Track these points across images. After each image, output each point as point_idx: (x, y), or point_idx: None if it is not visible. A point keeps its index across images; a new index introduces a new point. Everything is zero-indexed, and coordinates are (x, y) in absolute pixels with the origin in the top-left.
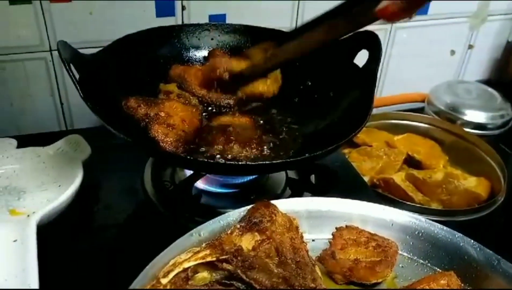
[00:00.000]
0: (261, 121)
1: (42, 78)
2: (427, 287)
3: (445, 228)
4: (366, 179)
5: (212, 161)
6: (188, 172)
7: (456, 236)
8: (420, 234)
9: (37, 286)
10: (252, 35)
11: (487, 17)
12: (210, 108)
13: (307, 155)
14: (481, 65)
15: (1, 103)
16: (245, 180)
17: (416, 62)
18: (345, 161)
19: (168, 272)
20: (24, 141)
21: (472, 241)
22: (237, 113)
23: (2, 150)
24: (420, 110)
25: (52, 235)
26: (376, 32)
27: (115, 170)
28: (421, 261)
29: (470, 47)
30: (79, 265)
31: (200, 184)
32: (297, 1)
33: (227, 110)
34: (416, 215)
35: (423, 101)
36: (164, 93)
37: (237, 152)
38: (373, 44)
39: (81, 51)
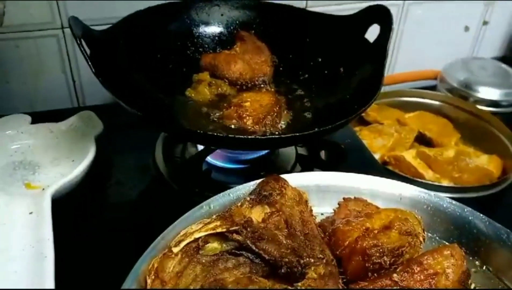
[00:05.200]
0: (282, 98)
1: (54, 55)
2: (431, 258)
3: (453, 202)
4: (377, 156)
5: (222, 134)
6: (199, 148)
7: (465, 210)
8: (429, 208)
9: (52, 256)
10: (262, 11)
11: None
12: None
13: (316, 129)
14: (496, 41)
15: (14, 81)
16: (255, 155)
17: (429, 38)
18: (355, 138)
19: (179, 242)
20: (38, 117)
21: (481, 215)
22: (263, 90)
23: (17, 125)
24: (433, 88)
25: (66, 209)
26: (389, 8)
27: (127, 146)
28: (429, 234)
29: (485, 23)
30: (92, 238)
31: (210, 159)
32: None
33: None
34: (425, 190)
35: (435, 79)
36: (197, 82)
37: (250, 126)
38: (385, 18)
39: (92, 28)
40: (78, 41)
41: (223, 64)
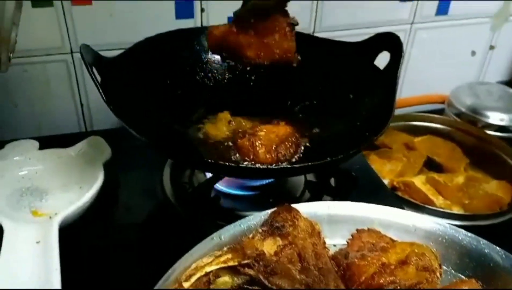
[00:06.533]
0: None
1: (63, 80)
2: None
3: (469, 234)
4: (386, 181)
5: (233, 164)
6: (207, 174)
7: (481, 242)
8: (444, 240)
9: (59, 287)
10: None
11: (509, 18)
12: (262, 70)
13: (328, 159)
14: (502, 66)
15: (23, 105)
16: (264, 182)
17: (436, 63)
18: (364, 163)
19: (190, 276)
20: (45, 142)
21: (498, 248)
22: (281, 123)
23: (24, 151)
24: (440, 112)
25: (73, 236)
26: (396, 33)
27: (134, 170)
28: (445, 267)
29: (491, 48)
30: (100, 266)
31: (218, 185)
32: (316, 1)
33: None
34: (439, 221)
35: (443, 103)
36: (217, 118)
37: (262, 155)
38: (394, 46)
39: (101, 53)
40: (90, 69)
41: (234, 48)
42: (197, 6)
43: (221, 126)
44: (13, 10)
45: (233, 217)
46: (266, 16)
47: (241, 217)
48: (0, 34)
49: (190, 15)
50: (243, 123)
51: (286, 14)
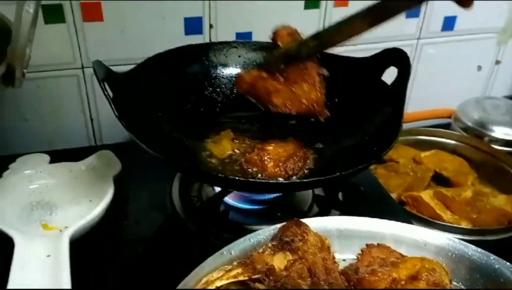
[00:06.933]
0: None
1: (74, 95)
2: None
3: (479, 249)
4: (393, 196)
5: (243, 179)
6: (217, 188)
7: (491, 258)
8: (454, 256)
9: None
10: None
11: None
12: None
13: (337, 174)
14: (508, 80)
15: (33, 119)
16: (272, 196)
17: (442, 77)
18: (372, 178)
19: None
20: (56, 156)
21: (508, 263)
22: (289, 138)
23: (36, 165)
24: (447, 126)
25: (83, 249)
26: (403, 48)
27: (143, 184)
28: (455, 283)
29: (497, 62)
30: (110, 279)
31: (227, 199)
32: (322, 21)
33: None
34: (450, 236)
35: (449, 117)
36: (220, 136)
37: (271, 169)
38: (402, 61)
39: (112, 68)
40: (102, 85)
41: (262, 93)
42: (205, 22)
43: (226, 144)
44: (29, 27)
45: (241, 231)
46: (296, 63)
47: (250, 231)
48: (16, 51)
49: (199, 31)
50: (248, 141)
51: (317, 63)
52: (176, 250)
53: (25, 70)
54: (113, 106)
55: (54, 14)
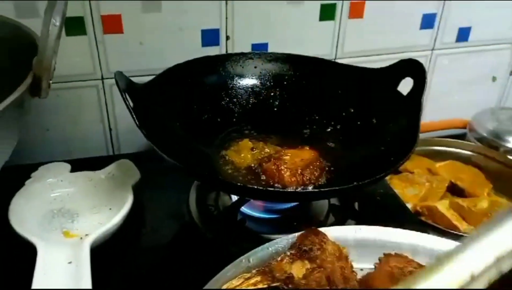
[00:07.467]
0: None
1: (93, 105)
2: None
3: None
4: (409, 206)
5: (262, 188)
6: (234, 197)
7: None
8: None
9: None
10: (294, 63)
11: None
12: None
13: (355, 183)
14: None
15: (54, 129)
16: (288, 206)
17: (457, 88)
18: (388, 188)
19: None
20: (75, 165)
21: None
22: (306, 147)
23: (57, 174)
24: (462, 137)
25: (103, 257)
26: (417, 58)
27: (161, 193)
28: None
29: None
30: (128, 286)
31: (243, 208)
32: (337, 31)
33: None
34: None
35: (464, 128)
36: (239, 146)
37: (288, 178)
38: (418, 72)
39: (131, 79)
40: (124, 95)
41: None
42: (222, 34)
43: (245, 153)
44: (55, 39)
45: (258, 240)
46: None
47: (266, 240)
48: (42, 63)
49: (216, 42)
50: (266, 149)
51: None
52: (193, 257)
53: (50, 81)
54: (134, 116)
55: (75, 27)
